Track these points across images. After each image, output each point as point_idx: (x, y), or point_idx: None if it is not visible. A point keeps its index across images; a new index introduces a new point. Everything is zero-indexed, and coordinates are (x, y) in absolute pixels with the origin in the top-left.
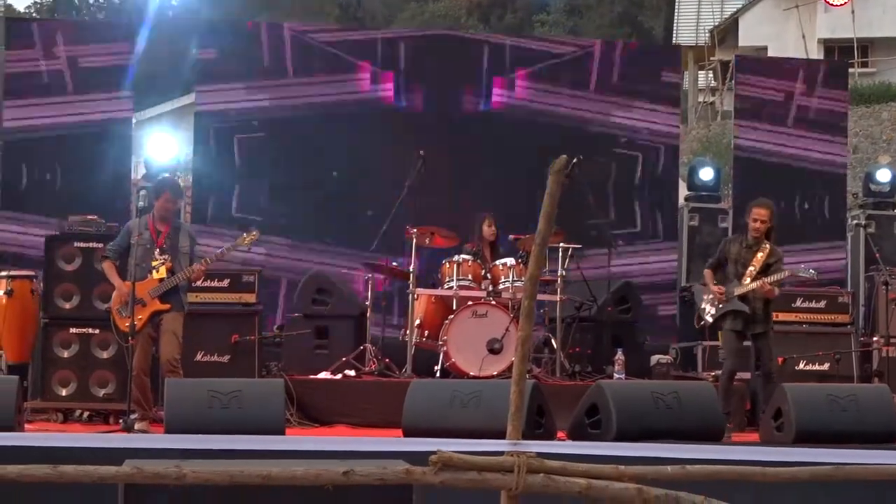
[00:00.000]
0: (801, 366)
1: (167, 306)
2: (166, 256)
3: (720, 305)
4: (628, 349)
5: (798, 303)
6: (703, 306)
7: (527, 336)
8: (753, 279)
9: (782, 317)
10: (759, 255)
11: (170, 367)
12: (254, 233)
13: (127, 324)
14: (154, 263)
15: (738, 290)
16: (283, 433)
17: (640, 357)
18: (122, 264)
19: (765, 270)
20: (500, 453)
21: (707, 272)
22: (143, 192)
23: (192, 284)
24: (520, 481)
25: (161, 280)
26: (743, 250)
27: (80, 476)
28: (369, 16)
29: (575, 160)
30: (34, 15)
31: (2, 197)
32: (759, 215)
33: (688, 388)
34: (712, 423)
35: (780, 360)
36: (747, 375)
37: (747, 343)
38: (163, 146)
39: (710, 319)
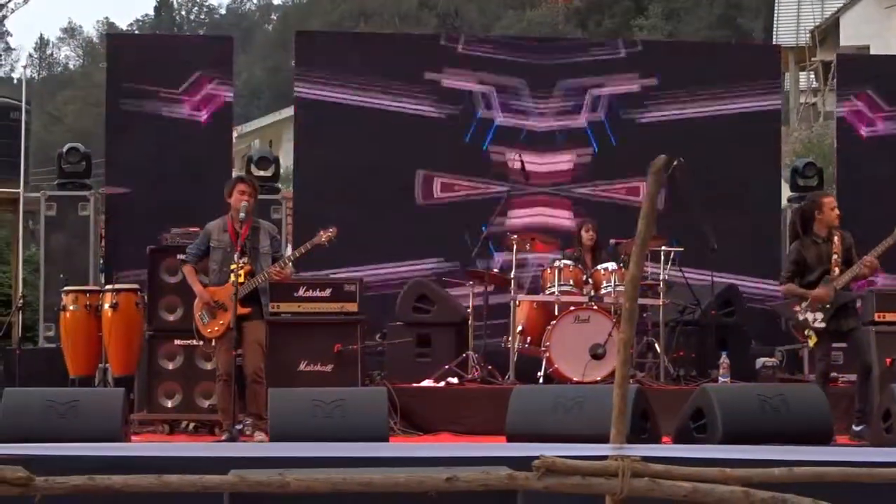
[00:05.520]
0: None
1: (248, 310)
2: (246, 259)
3: (827, 306)
4: (733, 352)
5: None
6: (803, 318)
7: (628, 339)
8: (841, 269)
9: (889, 317)
10: (836, 240)
11: (255, 378)
12: (331, 230)
13: (209, 330)
14: (233, 267)
15: (840, 282)
16: (386, 441)
17: (746, 360)
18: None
19: (848, 252)
20: (604, 458)
21: (790, 287)
22: (244, 204)
23: (282, 282)
24: (624, 485)
25: (242, 284)
26: (821, 247)
27: (185, 486)
28: (467, 25)
29: (676, 161)
30: (135, 32)
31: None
32: (833, 203)
33: (794, 390)
34: (820, 425)
35: (888, 360)
36: (854, 377)
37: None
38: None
39: (822, 326)
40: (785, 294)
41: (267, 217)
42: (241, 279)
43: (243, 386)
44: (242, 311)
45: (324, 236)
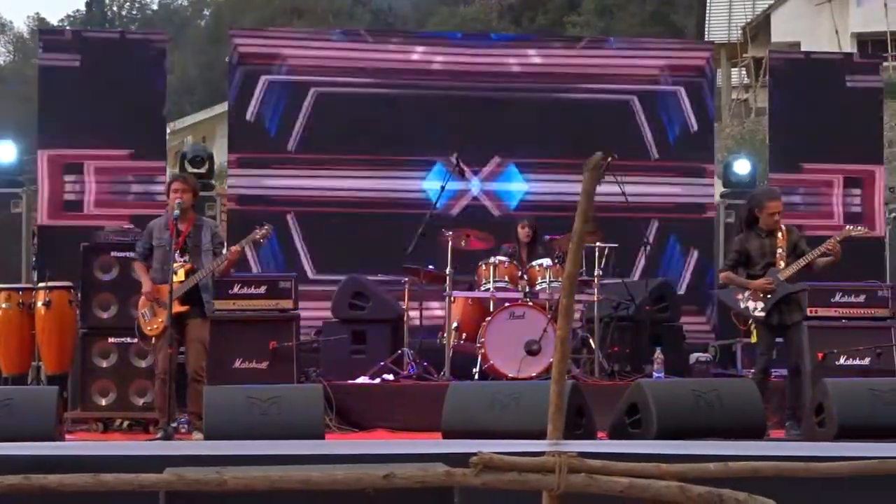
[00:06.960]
0: (842, 360)
1: (186, 308)
2: (186, 258)
3: (769, 296)
4: (667, 348)
5: (837, 297)
6: (744, 306)
7: (566, 335)
8: (787, 262)
9: (821, 312)
10: (780, 235)
11: (195, 377)
12: (266, 228)
13: (149, 327)
14: (175, 266)
15: (784, 273)
16: (322, 438)
17: (680, 356)
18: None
19: (795, 246)
20: (541, 454)
21: (728, 274)
22: (178, 202)
23: (222, 278)
24: (561, 481)
25: (181, 283)
26: (764, 241)
27: (121, 484)
28: (401, 21)
29: (609, 158)
30: (67, 27)
31: None
32: (776, 208)
33: (728, 385)
34: (753, 420)
35: (819, 355)
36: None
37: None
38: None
39: (762, 315)
40: (724, 281)
41: (201, 214)
42: (181, 277)
43: (181, 384)
44: (179, 309)
45: (258, 234)
